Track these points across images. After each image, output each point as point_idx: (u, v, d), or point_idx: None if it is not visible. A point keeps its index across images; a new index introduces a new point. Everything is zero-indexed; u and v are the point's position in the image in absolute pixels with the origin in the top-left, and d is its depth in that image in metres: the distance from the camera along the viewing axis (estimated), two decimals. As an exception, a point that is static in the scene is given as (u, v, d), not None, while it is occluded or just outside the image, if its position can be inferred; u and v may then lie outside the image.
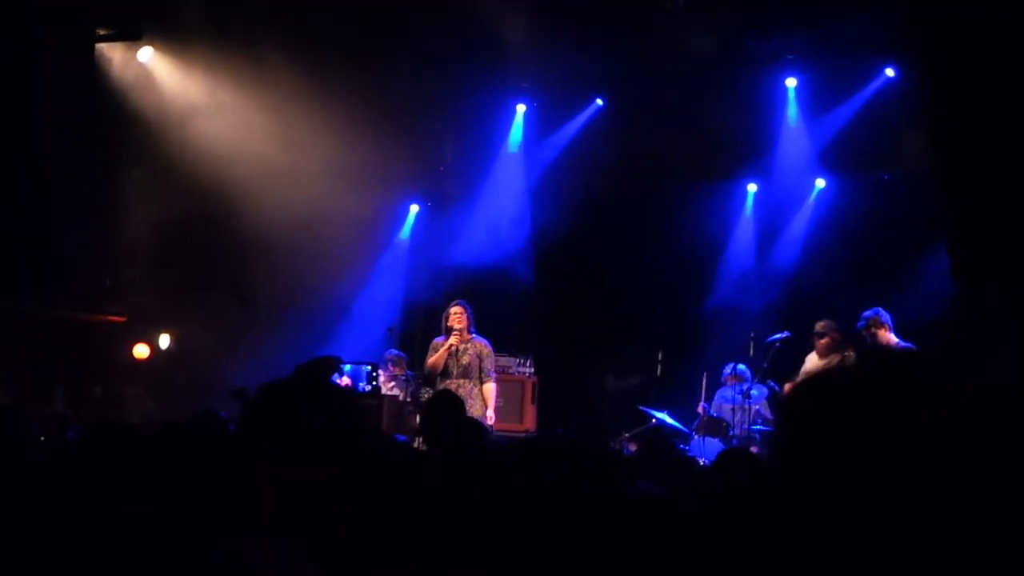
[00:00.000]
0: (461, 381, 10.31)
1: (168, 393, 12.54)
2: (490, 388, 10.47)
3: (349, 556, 2.62)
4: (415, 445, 8.13)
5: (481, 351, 10.47)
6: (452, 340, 10.35)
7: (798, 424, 1.58)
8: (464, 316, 10.48)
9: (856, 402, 1.52)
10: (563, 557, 2.77)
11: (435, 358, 10.44)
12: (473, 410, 10.10)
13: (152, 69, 12.98)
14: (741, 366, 11.67)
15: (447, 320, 10.48)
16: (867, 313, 10.20)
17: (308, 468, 2.47)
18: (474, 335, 10.52)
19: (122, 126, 12.71)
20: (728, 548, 2.93)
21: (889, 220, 12.38)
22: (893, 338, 10.04)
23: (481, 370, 10.45)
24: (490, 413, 10.36)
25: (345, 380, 11.26)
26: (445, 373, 10.38)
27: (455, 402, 6.57)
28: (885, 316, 10.15)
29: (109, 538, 3.02)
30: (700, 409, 11.68)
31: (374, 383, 11.46)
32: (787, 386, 10.94)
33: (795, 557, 1.51)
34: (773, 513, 1.53)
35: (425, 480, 4.70)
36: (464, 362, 10.36)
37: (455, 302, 10.67)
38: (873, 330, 10.10)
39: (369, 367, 11.54)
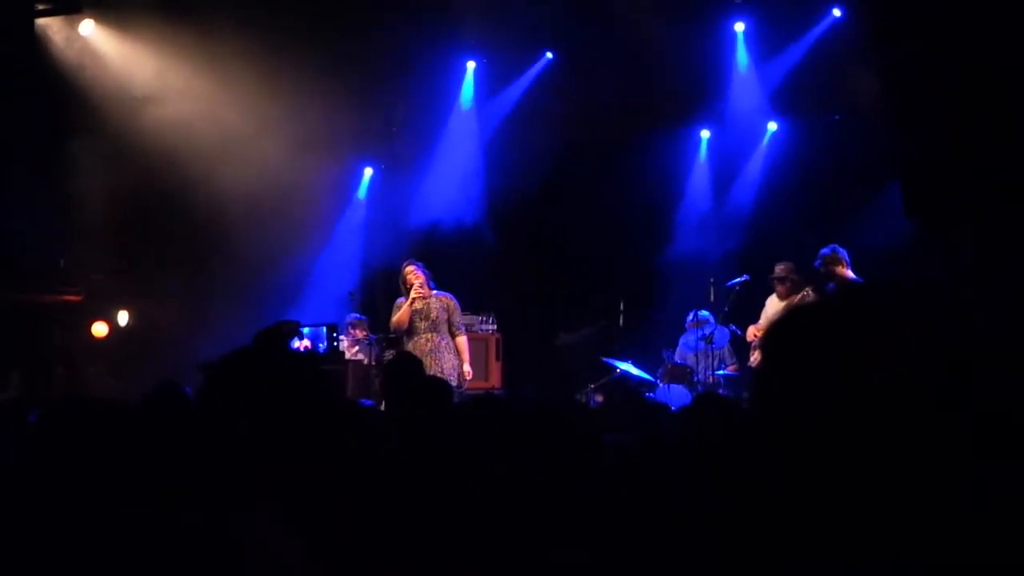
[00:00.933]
0: (430, 336, 10.28)
1: (130, 370, 12.44)
2: (463, 341, 10.47)
3: (326, 526, 2.61)
4: (380, 408, 8.12)
5: (448, 305, 10.45)
6: (413, 294, 10.32)
7: (771, 366, 1.57)
8: (419, 273, 10.45)
9: (822, 337, 1.51)
10: (534, 518, 2.76)
11: (399, 315, 10.40)
12: (446, 364, 10.13)
13: (95, 43, 12.79)
14: (703, 312, 11.72)
15: (403, 281, 10.45)
16: (824, 251, 10.23)
17: (273, 437, 2.45)
18: (436, 291, 10.50)
19: (69, 103, 12.54)
20: (707, 496, 2.94)
21: (842, 159, 12.46)
22: (850, 274, 10.08)
23: (451, 324, 10.44)
24: (467, 368, 10.37)
25: (304, 343, 11.22)
26: (412, 331, 10.34)
27: (415, 363, 6.56)
28: (842, 252, 10.19)
29: (77, 520, 3.00)
30: (664, 356, 11.75)
31: (335, 343, 11.43)
32: (750, 329, 11.01)
33: (776, 498, 1.51)
34: (751, 457, 1.53)
35: (389, 444, 4.70)
36: (432, 316, 10.34)
37: (407, 262, 10.64)
38: (830, 267, 10.13)
39: (326, 328, 11.51)
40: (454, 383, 9.86)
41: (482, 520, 2.70)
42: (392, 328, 10.62)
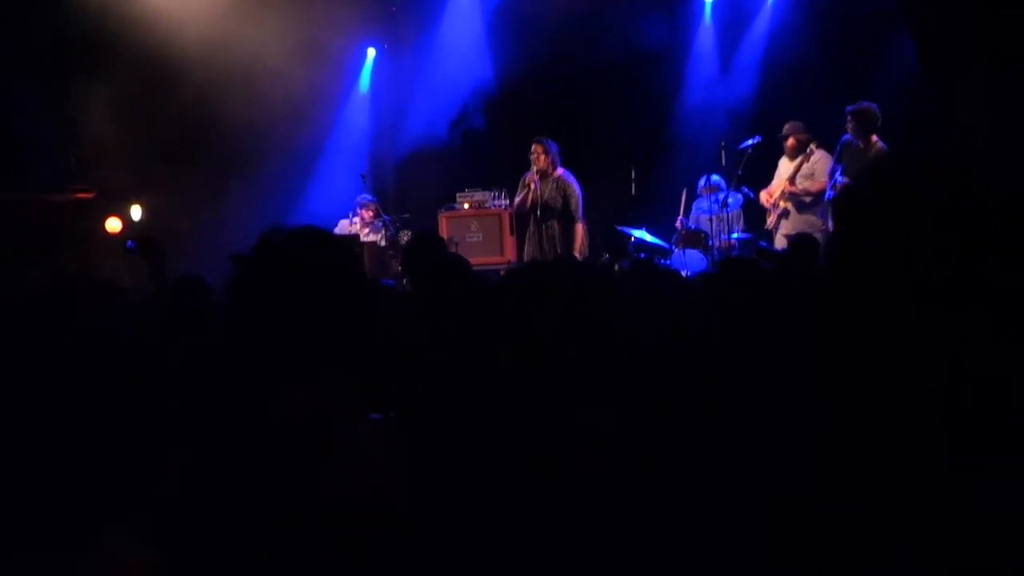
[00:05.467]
0: (539, 219, 10.39)
1: (146, 265, 12.47)
2: (577, 228, 10.48)
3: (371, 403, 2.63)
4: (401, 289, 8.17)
5: (565, 189, 10.45)
6: (527, 179, 10.37)
7: (845, 227, 1.58)
8: (543, 154, 10.43)
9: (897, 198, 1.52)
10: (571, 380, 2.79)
11: (517, 199, 10.57)
12: (550, 250, 10.19)
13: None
14: (715, 176, 11.69)
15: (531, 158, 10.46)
16: (859, 105, 10.04)
17: (314, 316, 2.45)
18: (561, 172, 10.50)
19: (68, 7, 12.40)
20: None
21: (853, 14, 12.25)
22: (875, 138, 9.96)
23: (565, 208, 10.41)
24: (576, 256, 10.30)
25: None
26: (527, 213, 10.44)
27: (434, 240, 6.58)
28: (876, 110, 10.01)
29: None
30: (678, 223, 11.73)
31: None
32: (763, 192, 10.99)
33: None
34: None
35: (410, 318, 4.74)
36: (545, 199, 10.36)
37: (535, 139, 10.60)
38: (860, 124, 9.95)
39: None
40: None
41: (517, 388, 2.74)
42: (514, 208, 10.74)
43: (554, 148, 10.58)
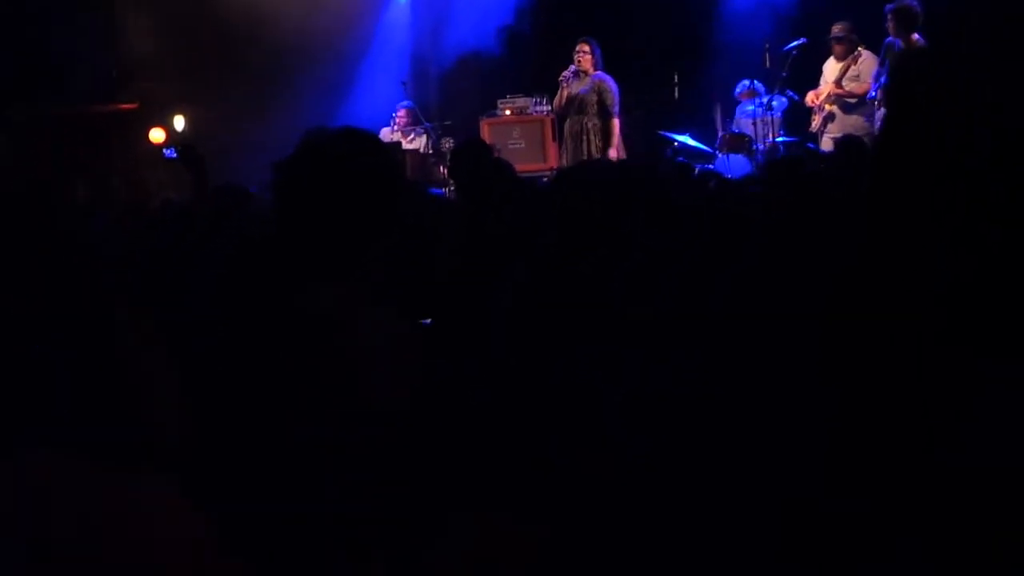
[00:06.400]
0: (577, 118, 10.42)
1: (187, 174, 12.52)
2: (614, 124, 10.49)
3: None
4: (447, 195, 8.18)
5: (600, 87, 10.47)
6: (561, 79, 10.52)
7: (897, 112, 1.56)
8: (588, 54, 10.42)
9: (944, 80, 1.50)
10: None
11: (557, 98, 10.69)
12: (586, 147, 10.24)
13: None
14: (756, 81, 11.54)
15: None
16: (892, 6, 9.83)
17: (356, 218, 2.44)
18: (599, 73, 10.48)
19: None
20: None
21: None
22: (916, 36, 9.75)
23: (602, 105, 10.41)
24: (612, 152, 10.36)
25: None
26: (565, 112, 10.56)
27: (479, 147, 6.56)
28: (917, 8, 9.78)
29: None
30: (717, 126, 11.63)
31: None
32: (809, 94, 10.84)
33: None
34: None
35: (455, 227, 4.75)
36: (581, 99, 10.39)
37: (582, 38, 10.65)
38: (901, 23, 9.74)
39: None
40: None
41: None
42: (554, 110, 10.77)
43: (598, 50, 10.54)
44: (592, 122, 10.42)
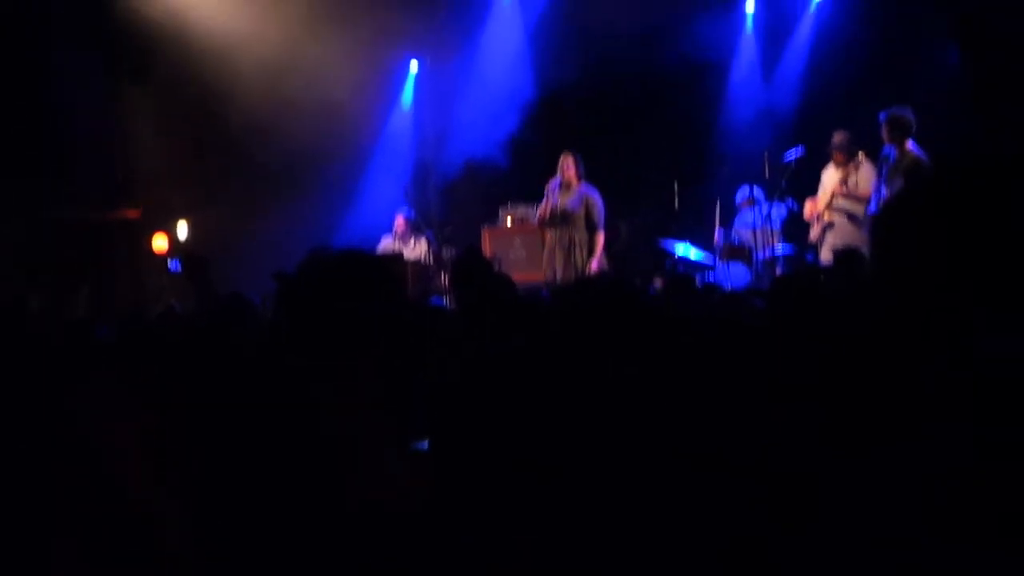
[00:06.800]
0: (563, 229, 10.56)
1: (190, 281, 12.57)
2: (599, 237, 10.65)
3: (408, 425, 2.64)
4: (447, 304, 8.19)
5: (588, 201, 10.60)
6: (547, 191, 10.62)
7: (882, 247, 1.59)
8: (571, 168, 10.56)
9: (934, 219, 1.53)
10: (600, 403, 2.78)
11: (540, 209, 10.80)
12: (575, 259, 10.38)
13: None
14: (756, 188, 11.62)
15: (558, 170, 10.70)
16: (889, 112, 9.91)
17: (350, 348, 2.46)
18: (585, 185, 10.62)
19: (117, 25, 12.56)
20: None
21: (891, 24, 12.18)
22: (911, 144, 9.83)
23: (588, 219, 10.55)
24: (594, 263, 10.56)
25: None
26: (550, 223, 10.61)
27: (478, 259, 6.59)
28: (910, 116, 9.86)
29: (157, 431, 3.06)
30: (716, 237, 11.68)
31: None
32: (807, 204, 10.90)
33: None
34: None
35: (449, 340, 4.75)
36: (567, 211, 10.49)
37: (566, 151, 10.81)
38: (895, 131, 9.81)
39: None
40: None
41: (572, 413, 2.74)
42: (536, 221, 10.89)
43: (581, 163, 10.70)
44: (580, 235, 10.57)
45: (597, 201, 10.67)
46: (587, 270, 10.42)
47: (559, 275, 10.37)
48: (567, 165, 10.64)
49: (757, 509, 2.34)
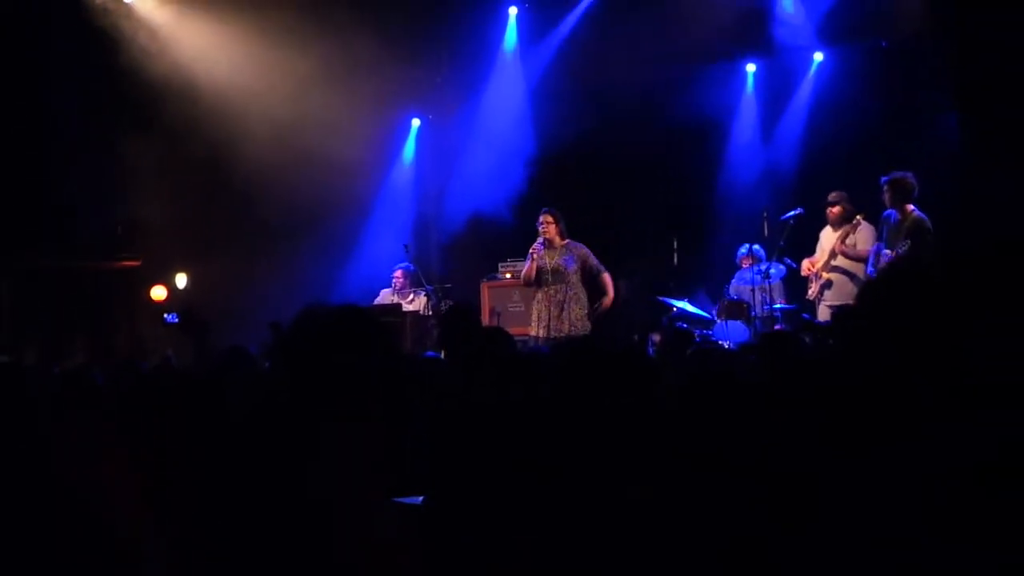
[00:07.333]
0: (557, 287, 10.49)
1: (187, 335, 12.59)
2: (606, 278, 10.66)
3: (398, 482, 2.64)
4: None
5: (581, 255, 10.60)
6: (532, 250, 10.62)
7: (875, 311, 1.62)
8: (551, 225, 10.58)
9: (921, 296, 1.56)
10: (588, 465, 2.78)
11: (525, 269, 10.75)
12: (572, 314, 10.36)
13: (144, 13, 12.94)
14: (756, 247, 11.65)
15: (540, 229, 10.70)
16: (891, 176, 9.93)
17: (344, 401, 2.47)
18: (571, 242, 10.64)
19: (121, 76, 12.64)
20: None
21: (891, 88, 12.29)
22: (912, 207, 9.85)
23: (585, 271, 10.61)
24: (607, 300, 10.62)
25: None
26: (541, 282, 10.55)
27: (468, 313, 6.59)
28: (913, 180, 9.88)
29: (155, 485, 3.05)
30: (722, 293, 11.73)
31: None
32: (804, 262, 10.94)
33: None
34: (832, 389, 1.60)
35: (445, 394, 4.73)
36: (558, 268, 10.49)
37: (543, 210, 10.79)
38: (897, 194, 9.84)
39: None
40: (578, 331, 10.18)
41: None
42: (522, 280, 10.87)
43: (562, 220, 10.70)
44: (573, 291, 10.53)
45: (588, 252, 10.69)
46: (583, 325, 10.41)
47: (550, 332, 10.37)
48: (547, 223, 10.65)
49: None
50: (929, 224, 9.63)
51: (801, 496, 2.05)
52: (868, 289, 1.91)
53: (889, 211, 9.90)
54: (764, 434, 2.74)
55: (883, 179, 9.93)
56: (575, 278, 10.55)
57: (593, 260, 10.67)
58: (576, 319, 10.41)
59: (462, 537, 2.95)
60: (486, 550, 2.87)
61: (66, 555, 2.39)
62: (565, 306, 10.47)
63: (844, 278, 10.61)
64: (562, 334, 10.16)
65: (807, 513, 1.93)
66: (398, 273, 12.58)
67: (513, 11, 14.17)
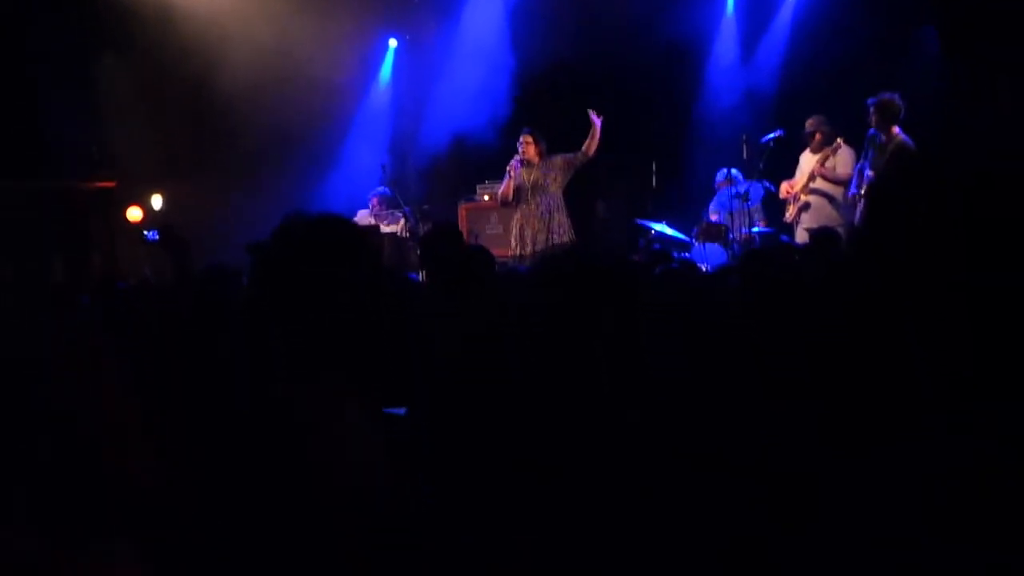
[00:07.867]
0: (538, 200, 10.47)
1: (168, 256, 12.53)
2: (589, 143, 10.59)
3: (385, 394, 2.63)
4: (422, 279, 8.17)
5: (556, 162, 10.58)
6: (508, 167, 10.60)
7: (874, 215, 1.62)
8: (531, 146, 10.55)
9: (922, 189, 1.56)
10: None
11: (502, 189, 10.75)
12: (556, 224, 10.32)
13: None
14: (733, 170, 11.64)
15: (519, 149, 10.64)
16: (879, 97, 9.90)
17: (329, 315, 2.44)
18: (547, 156, 10.63)
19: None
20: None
21: (877, 5, 12.19)
22: (897, 130, 9.84)
23: (566, 170, 10.59)
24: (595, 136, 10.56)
25: None
26: (521, 199, 10.52)
27: (451, 233, 6.57)
28: (900, 102, 9.87)
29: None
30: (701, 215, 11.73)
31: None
32: (783, 185, 10.95)
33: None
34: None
35: (427, 315, 4.72)
36: (538, 182, 10.45)
37: (524, 130, 10.76)
38: (883, 116, 9.83)
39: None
40: (563, 239, 10.19)
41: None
42: (499, 200, 10.82)
43: (543, 141, 10.65)
44: (556, 201, 10.51)
45: (562, 154, 10.64)
46: (570, 234, 10.44)
47: (536, 246, 10.32)
48: (527, 143, 10.59)
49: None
50: (913, 147, 9.62)
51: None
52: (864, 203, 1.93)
53: (875, 132, 9.89)
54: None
55: (870, 100, 9.90)
56: (556, 189, 10.52)
57: (562, 156, 10.62)
58: (561, 227, 10.39)
59: (464, 476, 2.96)
60: (488, 495, 2.88)
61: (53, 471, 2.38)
62: (550, 215, 10.43)
63: (823, 200, 10.63)
64: (550, 244, 10.13)
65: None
66: (374, 200, 12.53)
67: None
